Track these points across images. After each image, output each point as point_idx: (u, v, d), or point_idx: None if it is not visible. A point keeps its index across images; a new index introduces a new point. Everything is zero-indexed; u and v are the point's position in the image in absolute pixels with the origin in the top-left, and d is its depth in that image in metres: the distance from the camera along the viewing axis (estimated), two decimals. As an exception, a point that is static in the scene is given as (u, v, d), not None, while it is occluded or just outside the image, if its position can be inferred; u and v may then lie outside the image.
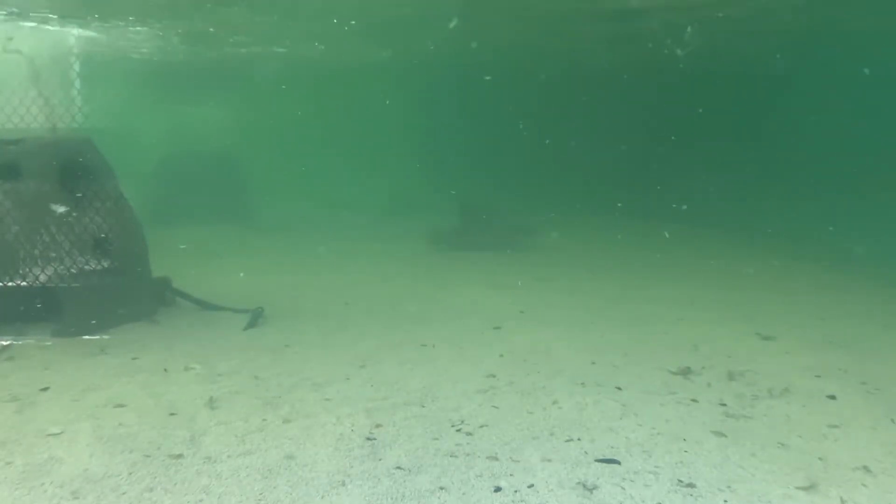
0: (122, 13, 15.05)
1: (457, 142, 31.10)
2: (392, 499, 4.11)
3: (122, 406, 5.56)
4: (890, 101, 21.87)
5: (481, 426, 5.22)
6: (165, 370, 6.51)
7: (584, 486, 4.29)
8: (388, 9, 14.70)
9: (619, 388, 6.12)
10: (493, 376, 6.43)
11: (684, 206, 17.53)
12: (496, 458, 4.66)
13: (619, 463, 4.62)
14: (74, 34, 16.85)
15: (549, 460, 4.64)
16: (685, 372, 6.57)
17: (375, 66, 23.82)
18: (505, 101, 27.84)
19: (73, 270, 7.78)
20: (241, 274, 11.51)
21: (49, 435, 4.97)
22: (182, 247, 12.48)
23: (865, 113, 22.68)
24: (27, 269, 7.71)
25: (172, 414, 5.40)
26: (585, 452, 4.78)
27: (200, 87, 26.97)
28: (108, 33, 17.18)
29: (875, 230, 16.23)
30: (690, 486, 4.31)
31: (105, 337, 7.62)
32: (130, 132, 24.44)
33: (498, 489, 4.23)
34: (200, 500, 4.07)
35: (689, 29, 16.03)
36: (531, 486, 4.28)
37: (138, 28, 16.59)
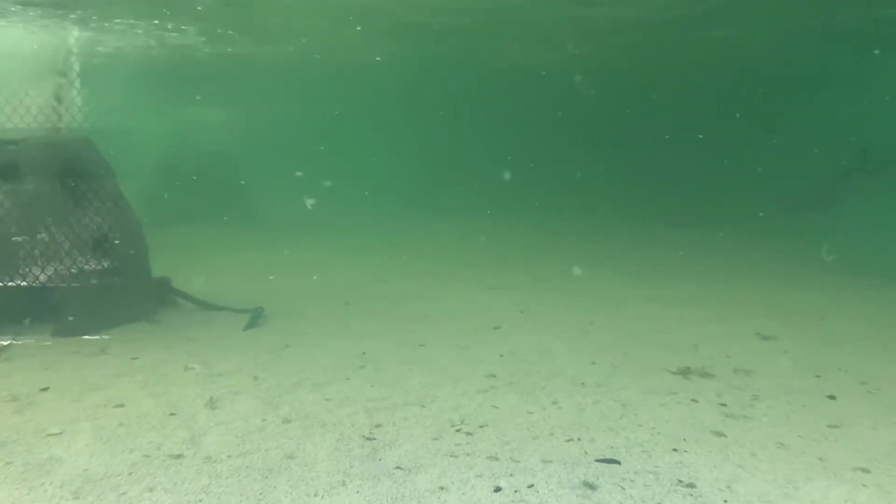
0: (126, 10, 15.04)
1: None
2: (392, 499, 4.11)
3: (122, 406, 5.56)
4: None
5: (481, 426, 5.22)
6: (165, 370, 6.51)
7: (584, 486, 4.29)
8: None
9: (619, 388, 6.12)
10: (493, 376, 6.43)
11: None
12: (496, 458, 4.66)
13: (619, 463, 4.62)
14: (75, 34, 16.84)
15: (549, 460, 4.64)
16: (685, 372, 6.57)
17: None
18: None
19: (73, 270, 7.78)
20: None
21: (49, 435, 4.97)
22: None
23: (870, 114, 22.71)
24: (27, 269, 7.71)
25: (172, 414, 5.40)
26: (585, 452, 4.78)
27: (202, 88, 26.96)
28: (107, 32, 17.18)
29: (876, 230, 16.24)
30: (690, 486, 4.31)
31: (105, 337, 7.61)
32: (130, 132, 24.43)
33: (498, 489, 4.23)
34: (200, 500, 4.07)
35: None
36: (531, 486, 4.28)
37: (137, 26, 16.58)
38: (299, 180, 26.68)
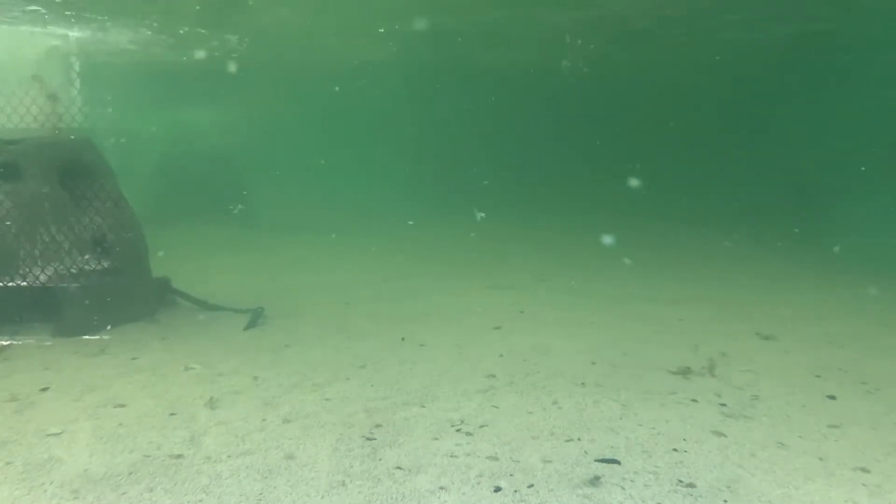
0: (132, 12, 15.04)
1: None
2: (392, 499, 4.11)
3: (122, 406, 5.56)
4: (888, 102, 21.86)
5: (481, 426, 5.22)
6: (165, 370, 6.51)
7: (585, 486, 4.29)
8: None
9: (619, 388, 6.12)
10: (493, 376, 6.43)
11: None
12: (496, 458, 4.66)
13: (619, 463, 4.62)
14: (74, 34, 16.84)
15: (549, 460, 4.64)
16: (685, 372, 6.57)
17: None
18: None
19: (73, 270, 7.78)
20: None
21: (49, 435, 4.97)
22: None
23: (866, 115, 22.66)
24: (27, 269, 7.71)
25: (172, 414, 5.40)
26: (585, 452, 4.78)
27: (201, 88, 26.97)
28: (107, 33, 17.18)
29: (876, 230, 16.24)
30: (690, 486, 4.31)
31: (105, 337, 7.62)
32: (130, 132, 24.45)
33: (498, 489, 4.23)
34: (200, 500, 4.07)
35: None
36: (531, 486, 4.28)
37: (139, 27, 16.58)
38: (298, 180, 26.65)
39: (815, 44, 18.37)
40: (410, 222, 15.86)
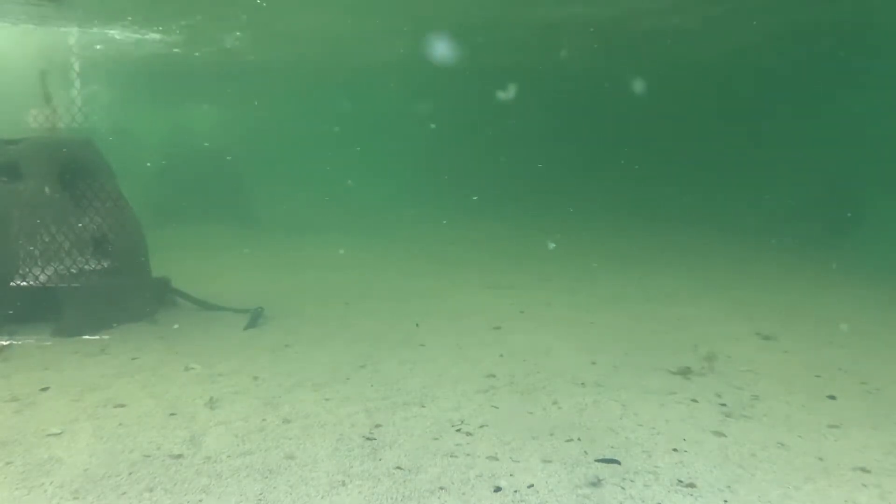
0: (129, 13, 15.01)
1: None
2: (392, 499, 4.11)
3: (122, 406, 5.56)
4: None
5: (481, 426, 5.22)
6: (165, 370, 6.51)
7: (585, 486, 4.29)
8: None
9: (619, 388, 6.12)
10: (493, 376, 6.43)
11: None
12: (496, 458, 4.66)
13: (619, 463, 4.62)
14: (74, 34, 16.83)
15: (549, 461, 4.64)
16: (685, 372, 6.57)
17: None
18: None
19: (73, 270, 7.78)
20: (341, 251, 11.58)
21: (49, 435, 4.97)
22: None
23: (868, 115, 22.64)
24: (27, 269, 7.71)
25: (172, 414, 5.40)
26: (585, 452, 4.78)
27: (201, 88, 26.96)
28: (109, 33, 17.17)
29: (876, 230, 16.25)
30: (690, 486, 4.31)
31: (105, 337, 7.61)
32: (130, 132, 24.45)
33: (498, 489, 4.23)
34: (200, 500, 4.07)
35: None
36: (531, 486, 4.28)
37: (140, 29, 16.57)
38: (297, 181, 26.62)
39: (831, 41, 18.26)
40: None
